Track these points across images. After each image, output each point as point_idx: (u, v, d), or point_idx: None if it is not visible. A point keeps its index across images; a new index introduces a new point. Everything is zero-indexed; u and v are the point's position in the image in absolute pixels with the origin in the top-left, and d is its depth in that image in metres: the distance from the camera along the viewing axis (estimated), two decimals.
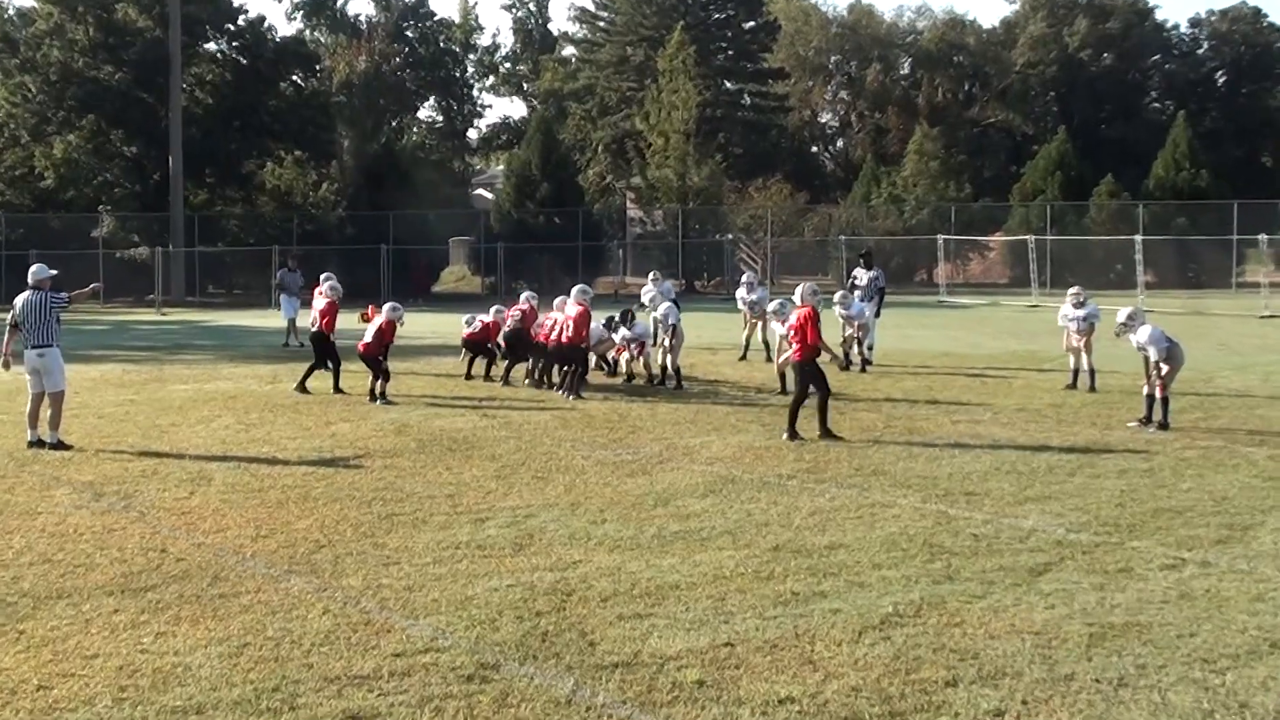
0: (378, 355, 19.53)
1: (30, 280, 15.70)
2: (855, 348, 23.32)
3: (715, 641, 8.04)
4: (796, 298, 16.43)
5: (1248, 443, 15.33)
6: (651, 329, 21.87)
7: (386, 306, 20.45)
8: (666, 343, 21.39)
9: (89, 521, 11.50)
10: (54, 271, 16.03)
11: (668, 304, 22.42)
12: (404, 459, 14.61)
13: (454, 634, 8.21)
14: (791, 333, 16.29)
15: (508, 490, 12.80)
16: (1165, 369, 16.45)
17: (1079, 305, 20.28)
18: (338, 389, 20.23)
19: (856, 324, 23.06)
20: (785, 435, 15.76)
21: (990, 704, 7.01)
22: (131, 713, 6.97)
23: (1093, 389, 19.67)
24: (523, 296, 22.55)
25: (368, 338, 19.78)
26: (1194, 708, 6.99)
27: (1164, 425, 16.27)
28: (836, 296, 23.54)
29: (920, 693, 7.17)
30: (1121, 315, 17.13)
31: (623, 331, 21.57)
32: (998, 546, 10.37)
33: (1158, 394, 16.47)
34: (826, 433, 15.75)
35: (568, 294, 20.81)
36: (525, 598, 8.98)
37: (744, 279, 26.28)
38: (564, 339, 20.04)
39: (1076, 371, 20.26)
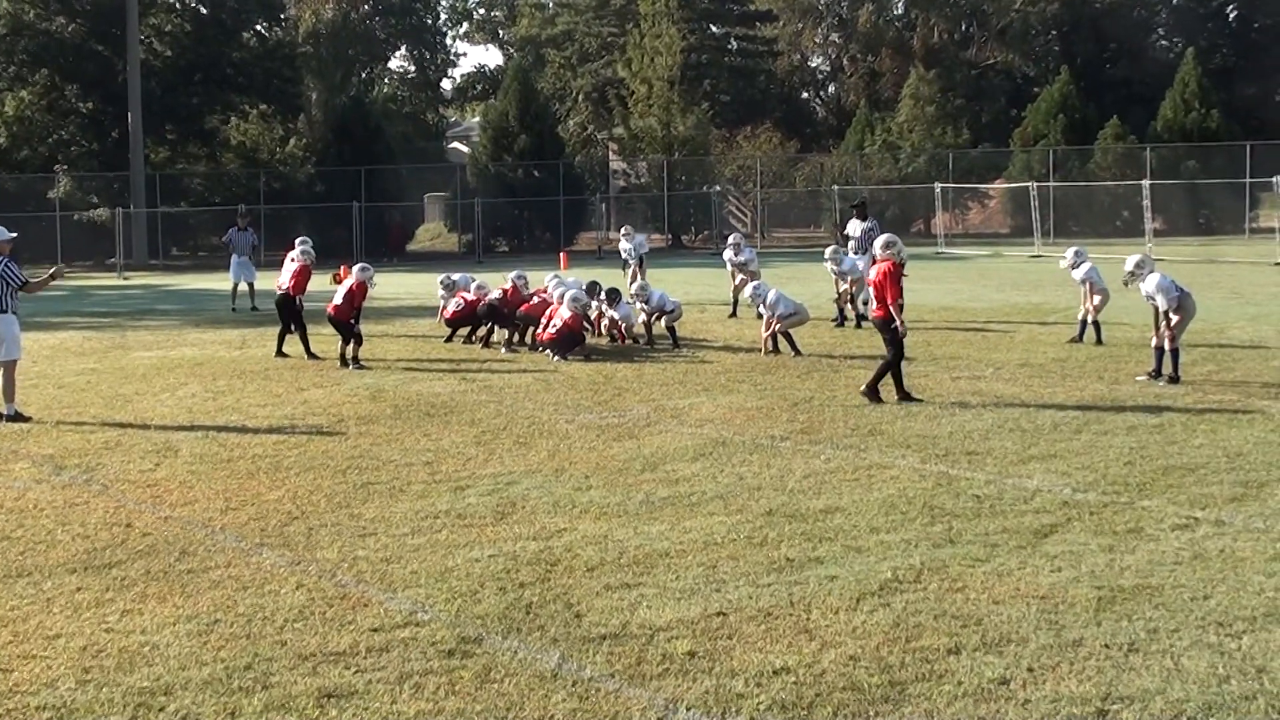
0: (348, 319, 19.08)
1: None
2: (849, 304, 23.04)
3: (707, 611, 7.77)
4: (876, 249, 15.67)
5: (1263, 396, 15.01)
6: (634, 314, 21.49)
7: (357, 267, 19.99)
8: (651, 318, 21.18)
9: (49, 496, 11.18)
10: (13, 234, 15.52)
11: (659, 294, 21.63)
12: (379, 426, 14.29)
13: (434, 607, 7.94)
14: (872, 290, 15.76)
15: (488, 456, 12.48)
16: (1174, 319, 16.05)
17: (1076, 266, 19.96)
18: (310, 354, 19.80)
19: (850, 280, 22.73)
20: (898, 399, 15.14)
21: (994, 672, 6.75)
22: (96, 694, 6.68)
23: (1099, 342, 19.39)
24: (509, 277, 21.88)
25: (337, 300, 19.27)
26: (1208, 673, 6.72)
27: (1174, 379, 15.89)
28: (828, 252, 23.46)
29: (921, 661, 6.92)
30: (1129, 263, 16.77)
31: (608, 312, 21.37)
32: (1001, 508, 10.08)
33: (1167, 346, 16.07)
34: (873, 392, 15.19)
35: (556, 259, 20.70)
36: (508, 568, 8.71)
37: (730, 239, 25.86)
38: (551, 335, 19.72)
39: (1083, 324, 19.91)
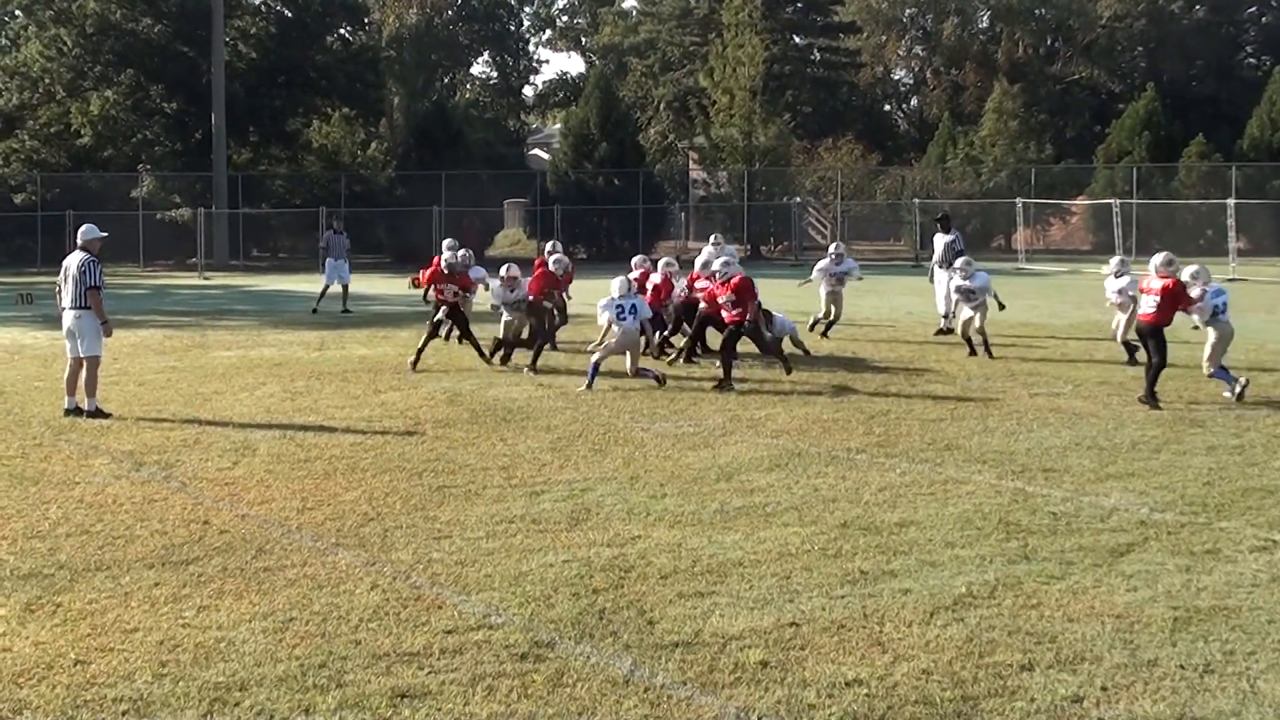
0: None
1: (80, 240, 15.50)
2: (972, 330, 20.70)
3: (780, 621, 7.75)
4: (1156, 264, 16.13)
5: None
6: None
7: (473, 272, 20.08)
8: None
9: (129, 492, 11.30)
10: (104, 234, 15.78)
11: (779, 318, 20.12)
12: (456, 429, 14.35)
13: (507, 611, 7.96)
14: (1153, 299, 15.89)
15: (564, 463, 12.51)
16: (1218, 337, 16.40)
17: (1119, 275, 19.64)
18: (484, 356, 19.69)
19: (977, 300, 20.46)
20: (1144, 401, 15.59)
21: (1068, 689, 6.69)
22: (172, 688, 6.75)
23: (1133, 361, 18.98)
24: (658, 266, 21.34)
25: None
26: None
27: (1239, 396, 15.98)
28: (959, 262, 21.19)
29: (994, 677, 6.87)
30: (1185, 274, 16.45)
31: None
32: (1077, 525, 9.99)
33: (1207, 367, 16.41)
34: (1151, 398, 15.57)
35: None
36: (581, 574, 8.72)
37: (833, 249, 24.80)
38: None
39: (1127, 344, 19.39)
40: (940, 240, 24.40)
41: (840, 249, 24.33)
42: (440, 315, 19.75)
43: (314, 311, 29.12)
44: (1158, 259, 16.30)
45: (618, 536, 9.72)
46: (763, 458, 12.68)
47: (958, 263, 21.38)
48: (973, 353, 20.30)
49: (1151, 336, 15.97)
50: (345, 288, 30.02)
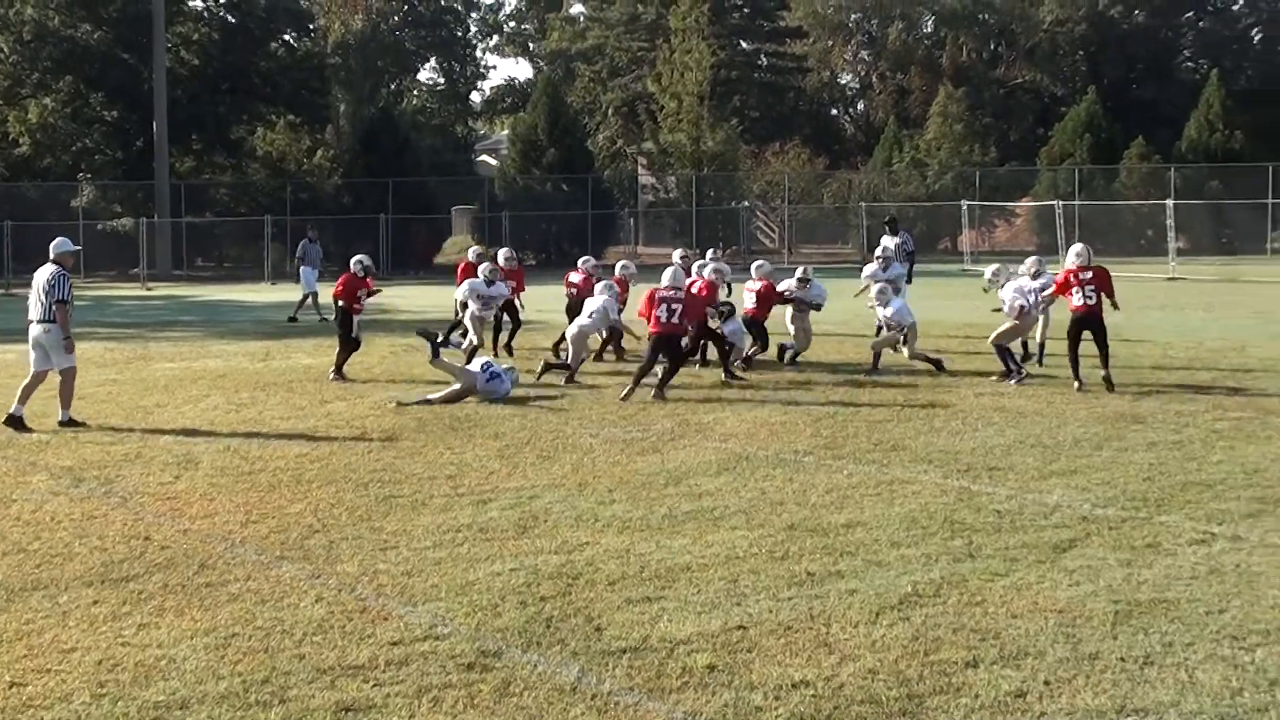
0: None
1: (51, 253, 15.40)
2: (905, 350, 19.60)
3: (727, 624, 7.76)
4: (1079, 253, 16.92)
5: None
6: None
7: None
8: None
9: (67, 508, 11.15)
10: (78, 247, 15.81)
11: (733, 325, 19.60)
12: (403, 439, 14.28)
13: (454, 621, 7.93)
14: (1090, 289, 16.57)
15: (511, 470, 12.48)
16: (1009, 324, 17.61)
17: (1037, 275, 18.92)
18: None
19: (896, 326, 19.43)
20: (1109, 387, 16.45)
21: (1011, 685, 6.74)
22: (111, 709, 6.66)
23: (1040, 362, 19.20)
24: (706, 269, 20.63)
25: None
26: (1222, 685, 6.72)
27: (1015, 371, 17.51)
28: (874, 290, 20.32)
29: (939, 674, 6.91)
30: (987, 271, 18.36)
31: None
32: (1021, 523, 10.07)
33: (996, 343, 17.64)
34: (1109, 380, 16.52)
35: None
36: (529, 582, 8.69)
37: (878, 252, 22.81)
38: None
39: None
40: (891, 241, 24.53)
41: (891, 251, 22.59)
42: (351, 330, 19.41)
43: (291, 320, 28.83)
44: (1080, 249, 17.12)
45: (565, 543, 9.70)
46: (711, 462, 12.69)
47: (874, 290, 20.43)
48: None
49: (1096, 323, 16.51)
50: (314, 296, 29.82)
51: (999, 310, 18.45)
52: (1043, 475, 11.83)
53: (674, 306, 17.12)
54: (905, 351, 19.17)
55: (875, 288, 19.76)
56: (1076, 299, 16.60)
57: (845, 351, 21.35)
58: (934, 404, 15.97)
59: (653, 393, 16.69)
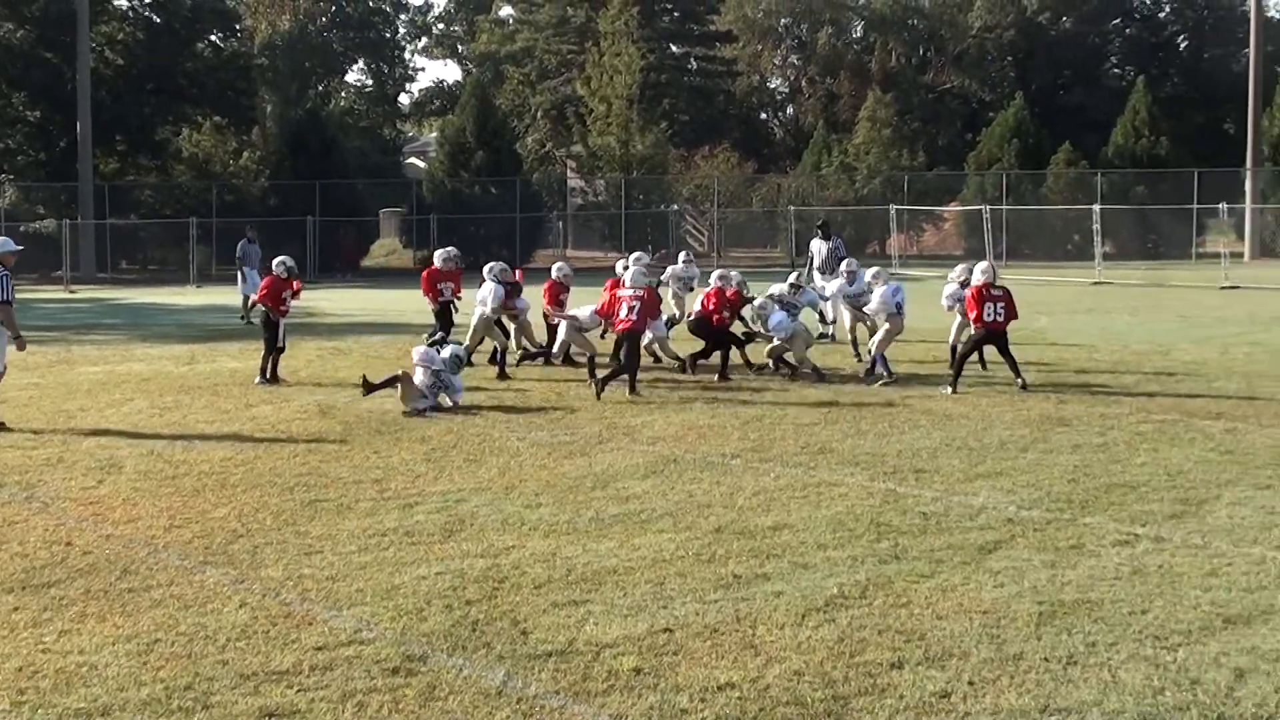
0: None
1: None
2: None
3: (653, 627, 7.76)
4: (985, 271, 17.59)
5: (1204, 416, 15.14)
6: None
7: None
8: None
9: None
10: (20, 247, 15.62)
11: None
12: (329, 443, 14.19)
13: (379, 625, 7.88)
14: (1001, 306, 17.11)
15: (438, 474, 12.42)
16: (885, 329, 18.27)
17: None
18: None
19: (779, 338, 18.99)
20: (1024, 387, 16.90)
21: (936, 685, 6.79)
22: (31, 716, 6.58)
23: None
24: (728, 278, 20.15)
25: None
26: (1144, 685, 6.79)
27: (880, 373, 18.14)
28: (843, 266, 21.17)
29: (865, 675, 6.94)
30: (867, 274, 19.07)
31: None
32: (947, 525, 10.14)
33: (873, 351, 18.37)
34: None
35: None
36: (455, 586, 8.66)
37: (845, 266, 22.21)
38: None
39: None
40: (821, 246, 24.61)
41: (852, 265, 21.69)
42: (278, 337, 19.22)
43: (247, 322, 28.51)
44: (986, 266, 17.85)
45: (492, 547, 9.66)
46: (638, 465, 12.69)
47: (841, 266, 21.40)
48: (859, 358, 20.23)
49: (1000, 339, 17.21)
50: (246, 298, 29.54)
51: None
52: (969, 477, 11.92)
53: (633, 304, 17.86)
54: (792, 356, 19.06)
55: (757, 302, 19.48)
56: (987, 315, 17.04)
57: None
58: (861, 407, 16.05)
59: (628, 390, 17.29)
